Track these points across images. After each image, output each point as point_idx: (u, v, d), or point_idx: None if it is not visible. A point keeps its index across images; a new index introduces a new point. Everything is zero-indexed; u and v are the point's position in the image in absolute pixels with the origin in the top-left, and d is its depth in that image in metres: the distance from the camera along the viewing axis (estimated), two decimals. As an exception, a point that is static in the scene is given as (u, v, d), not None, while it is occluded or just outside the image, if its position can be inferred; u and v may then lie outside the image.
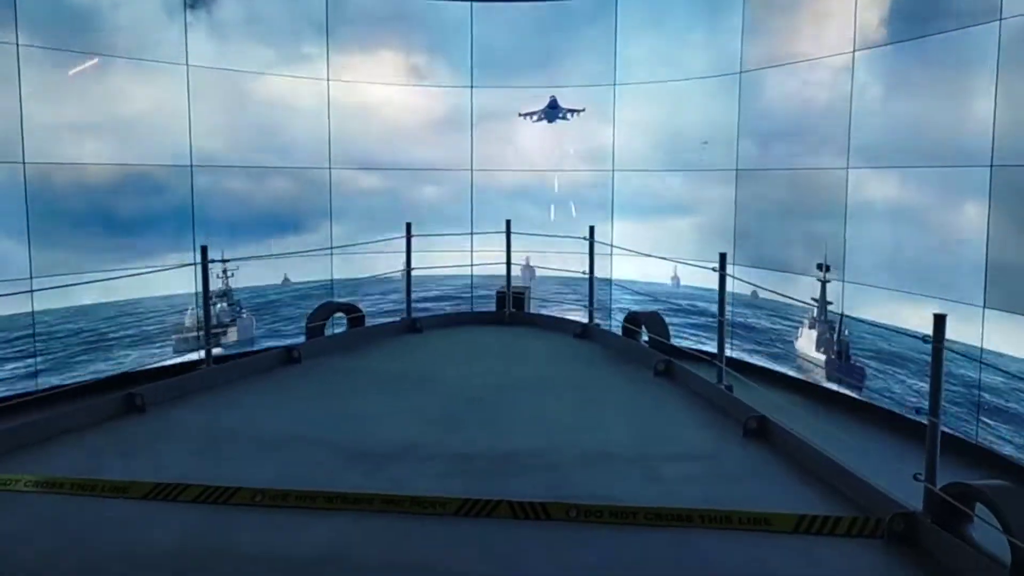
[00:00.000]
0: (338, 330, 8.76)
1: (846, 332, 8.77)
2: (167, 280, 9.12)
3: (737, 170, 10.06)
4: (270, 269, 10.40)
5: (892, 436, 6.91)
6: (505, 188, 11.37)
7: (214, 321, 9.84)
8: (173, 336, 9.83)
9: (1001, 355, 6.66)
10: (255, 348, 9.69)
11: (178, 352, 9.71)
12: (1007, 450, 6.58)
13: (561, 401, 6.06)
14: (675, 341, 7.97)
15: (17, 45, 8.23)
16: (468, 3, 11.13)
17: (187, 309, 9.84)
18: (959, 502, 3.51)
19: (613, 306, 10.84)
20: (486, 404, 5.90)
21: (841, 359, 8.76)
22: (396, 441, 4.99)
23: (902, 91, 8.16)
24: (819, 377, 8.98)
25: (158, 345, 9.56)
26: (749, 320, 9.94)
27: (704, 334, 9.97)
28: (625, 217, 11.08)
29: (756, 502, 4.01)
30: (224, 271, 10.09)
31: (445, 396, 6.09)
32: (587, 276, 8.24)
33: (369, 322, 8.86)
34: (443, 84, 11.32)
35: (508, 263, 8.88)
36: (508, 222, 8.86)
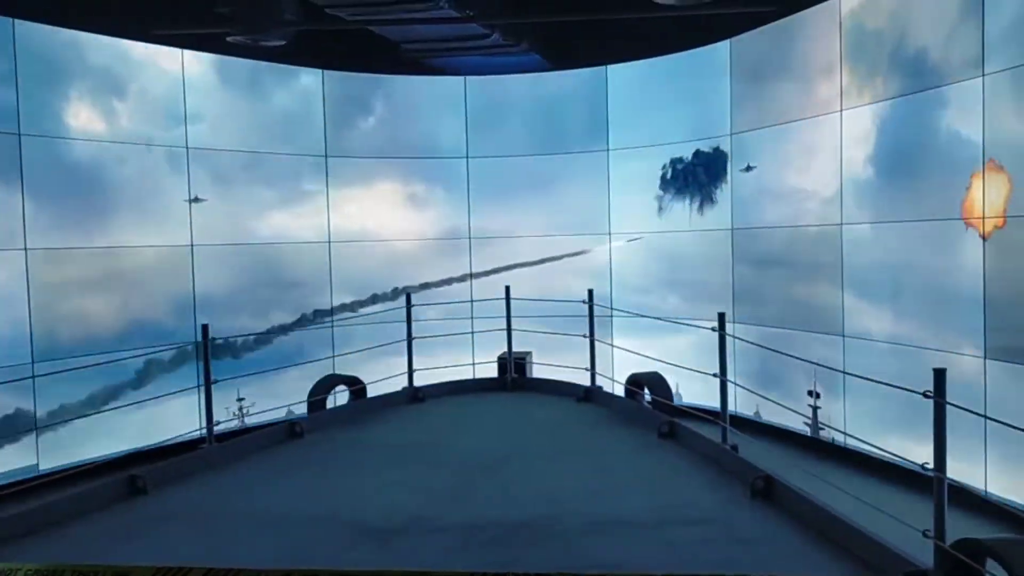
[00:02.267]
0: (340, 403, 8.76)
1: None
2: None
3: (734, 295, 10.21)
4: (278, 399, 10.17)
5: (901, 490, 6.85)
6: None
7: None
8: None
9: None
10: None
11: None
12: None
13: (567, 467, 6.02)
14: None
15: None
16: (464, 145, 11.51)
17: None
18: (969, 558, 3.48)
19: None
20: (492, 473, 5.86)
21: None
22: (402, 514, 4.95)
23: (890, 227, 8.38)
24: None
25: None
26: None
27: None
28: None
29: (767, 565, 3.97)
30: (240, 408, 9.94)
31: (451, 466, 6.05)
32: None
33: (372, 393, 8.85)
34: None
35: (508, 329, 8.90)
36: (507, 288, 8.92)
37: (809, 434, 9.07)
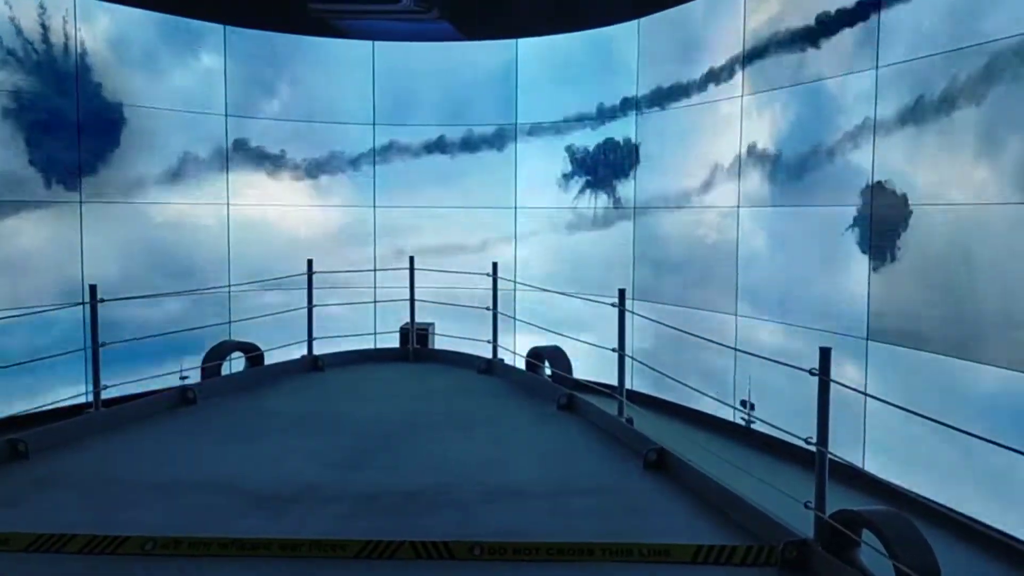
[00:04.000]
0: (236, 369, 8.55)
1: None
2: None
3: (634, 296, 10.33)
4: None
5: (786, 465, 7.15)
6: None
7: None
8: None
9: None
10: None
11: None
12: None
13: (466, 438, 6.05)
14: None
15: None
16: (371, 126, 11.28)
17: None
18: (847, 529, 3.65)
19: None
20: (390, 443, 5.84)
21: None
22: (297, 483, 4.88)
23: (783, 247, 8.70)
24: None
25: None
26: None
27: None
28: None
29: (656, 534, 4.08)
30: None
31: (348, 436, 5.99)
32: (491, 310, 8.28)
33: (269, 361, 8.66)
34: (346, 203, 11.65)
35: (412, 299, 8.85)
36: (412, 258, 8.86)
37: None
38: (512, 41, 11.17)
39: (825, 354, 3.89)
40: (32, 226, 9.38)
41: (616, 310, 6.36)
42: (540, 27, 10.90)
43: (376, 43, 11.21)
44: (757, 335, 8.83)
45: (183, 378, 8.98)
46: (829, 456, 3.86)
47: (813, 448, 3.92)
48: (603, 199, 11.00)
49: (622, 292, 6.43)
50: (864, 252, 7.59)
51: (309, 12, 10.46)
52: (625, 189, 10.76)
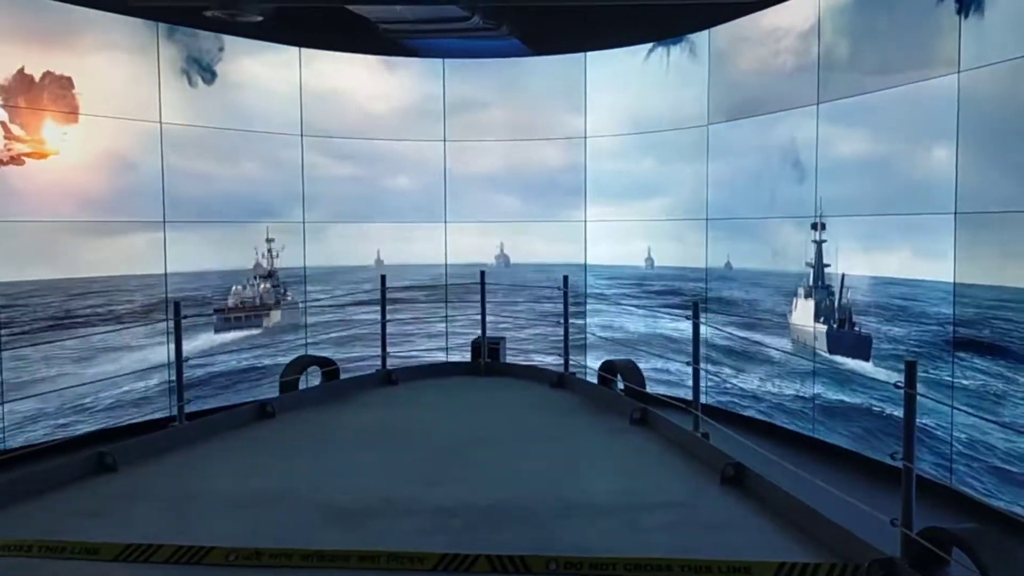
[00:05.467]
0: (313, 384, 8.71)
1: (847, 295, 8.15)
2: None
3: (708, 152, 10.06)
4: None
5: (869, 481, 6.95)
6: (478, 176, 11.31)
7: (256, 302, 9.87)
8: (214, 315, 9.69)
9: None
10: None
11: (219, 331, 9.70)
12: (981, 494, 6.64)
13: (539, 452, 6.04)
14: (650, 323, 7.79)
15: None
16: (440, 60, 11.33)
17: (232, 287, 9.82)
18: (936, 547, 3.54)
19: (590, 291, 10.92)
20: (464, 457, 5.87)
21: (844, 327, 8.21)
22: (374, 496, 4.94)
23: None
24: (821, 347, 8.53)
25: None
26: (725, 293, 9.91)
27: (679, 312, 9.98)
28: (599, 201, 11.02)
29: (735, 551, 4.01)
30: (269, 250, 10.02)
31: (423, 449, 6.04)
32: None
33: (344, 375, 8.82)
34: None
35: (483, 315, 8.90)
36: (482, 272, 8.91)
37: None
38: (580, 55, 11.16)
39: (910, 368, 3.78)
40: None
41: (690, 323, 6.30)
42: (609, 40, 10.87)
43: (446, 60, 11.34)
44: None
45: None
46: (916, 472, 3.75)
47: (897, 464, 3.81)
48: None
49: (696, 304, 6.37)
50: None
51: (381, 34, 10.64)
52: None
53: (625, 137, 10.86)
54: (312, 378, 9.11)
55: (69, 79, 8.45)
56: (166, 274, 9.62)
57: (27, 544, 4.21)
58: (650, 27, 10.33)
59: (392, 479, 5.31)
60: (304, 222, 10.43)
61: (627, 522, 4.55)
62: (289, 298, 10.36)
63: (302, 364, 9.09)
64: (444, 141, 11.35)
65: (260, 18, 9.69)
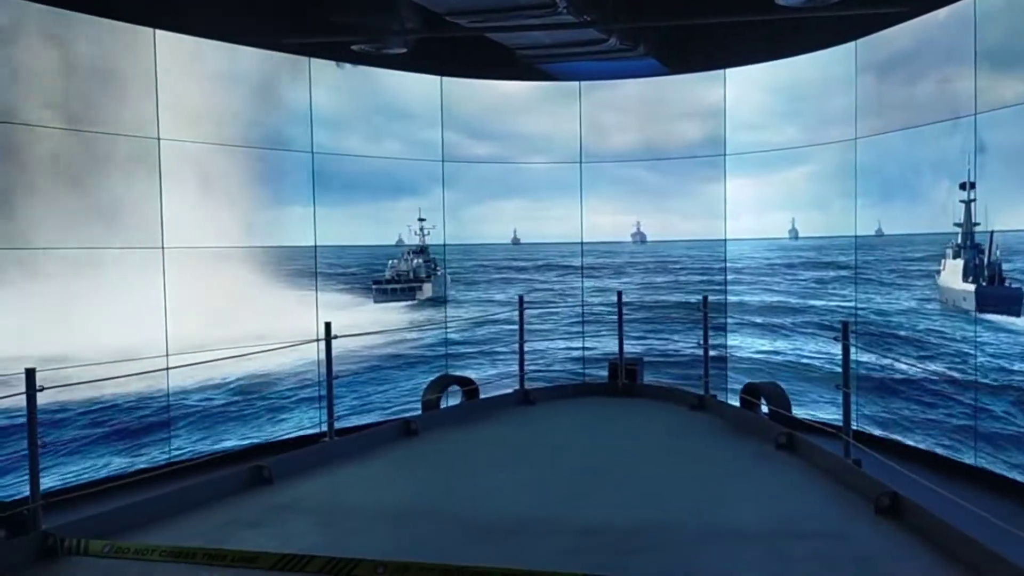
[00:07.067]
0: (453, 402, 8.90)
1: (996, 252, 7.80)
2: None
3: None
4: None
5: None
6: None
7: (410, 276, 10.57)
8: (373, 286, 10.38)
9: None
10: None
11: (377, 301, 10.39)
12: None
13: (681, 475, 5.95)
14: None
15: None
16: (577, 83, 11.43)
17: (389, 261, 10.53)
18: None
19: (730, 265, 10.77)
20: (604, 478, 5.85)
21: (994, 284, 7.86)
22: (516, 515, 5.00)
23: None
24: (970, 307, 8.13)
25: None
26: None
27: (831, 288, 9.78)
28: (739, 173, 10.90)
29: (892, 584, 3.82)
30: (421, 229, 10.69)
31: (563, 470, 6.06)
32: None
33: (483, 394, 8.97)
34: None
35: (620, 333, 8.85)
36: (620, 293, 8.88)
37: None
38: (720, 72, 11.00)
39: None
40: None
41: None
42: (749, 56, 10.66)
43: (583, 83, 11.42)
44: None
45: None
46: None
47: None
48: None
49: (845, 325, 6.14)
50: None
51: (518, 59, 10.83)
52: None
53: (766, 105, 10.77)
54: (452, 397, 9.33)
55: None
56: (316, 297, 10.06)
57: (191, 552, 4.47)
58: (789, 42, 10.07)
59: (533, 498, 5.35)
60: (443, 202, 10.96)
61: (774, 551, 4.41)
62: (439, 273, 10.94)
63: (443, 383, 9.30)
64: (580, 163, 11.41)
65: (404, 50, 10.06)
